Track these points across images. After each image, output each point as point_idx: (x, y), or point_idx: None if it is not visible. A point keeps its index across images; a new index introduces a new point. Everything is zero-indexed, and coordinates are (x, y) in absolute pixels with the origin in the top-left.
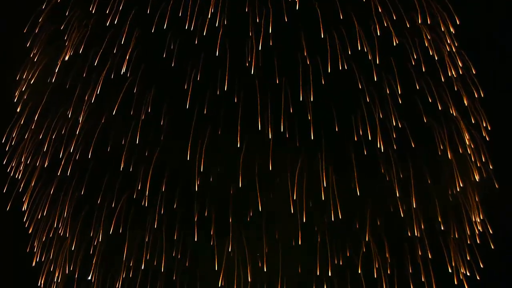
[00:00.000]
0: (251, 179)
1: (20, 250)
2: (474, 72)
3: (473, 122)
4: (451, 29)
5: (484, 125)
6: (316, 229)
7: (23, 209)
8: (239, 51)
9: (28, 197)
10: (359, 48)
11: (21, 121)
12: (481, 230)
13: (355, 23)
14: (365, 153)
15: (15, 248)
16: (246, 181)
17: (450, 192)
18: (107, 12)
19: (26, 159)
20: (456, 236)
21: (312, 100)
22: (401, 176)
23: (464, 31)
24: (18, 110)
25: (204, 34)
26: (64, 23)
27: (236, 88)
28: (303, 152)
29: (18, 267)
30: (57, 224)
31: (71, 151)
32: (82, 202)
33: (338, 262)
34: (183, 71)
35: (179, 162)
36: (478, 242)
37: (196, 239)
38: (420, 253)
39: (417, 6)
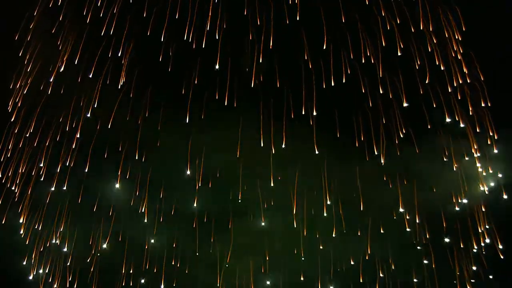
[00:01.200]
0: (251, 185)
1: (17, 264)
2: (482, 79)
3: (478, 130)
4: (457, 36)
5: (491, 134)
6: (317, 236)
7: (20, 221)
8: (239, 54)
9: (25, 208)
10: (362, 52)
11: (15, 130)
12: (488, 240)
13: (358, 26)
14: (367, 159)
15: (12, 262)
16: (246, 187)
17: (455, 201)
18: (101, 15)
19: (22, 169)
20: (462, 245)
21: (314, 105)
22: (405, 182)
23: (470, 37)
24: (12, 119)
25: (204, 37)
26: (57, 26)
27: (236, 93)
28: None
29: (15, 282)
30: (55, 235)
31: (67, 158)
32: (79, 210)
33: (341, 269)
34: (181, 75)
35: (177, 168)
36: (484, 252)
37: (196, 245)
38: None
39: (420, 12)
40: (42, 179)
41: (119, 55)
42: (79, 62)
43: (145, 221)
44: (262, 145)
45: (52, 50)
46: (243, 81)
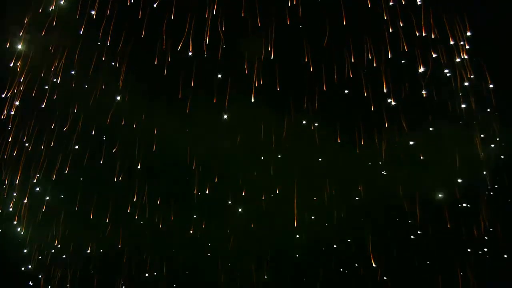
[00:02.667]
0: (250, 191)
1: (16, 271)
2: (489, 83)
3: (482, 136)
4: (464, 42)
5: (498, 139)
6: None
7: (18, 229)
8: (239, 57)
9: (22, 218)
10: (365, 55)
11: (9, 139)
12: (492, 244)
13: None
14: (370, 164)
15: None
16: (245, 194)
17: (460, 205)
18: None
19: (17, 178)
20: (468, 251)
21: (316, 108)
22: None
23: (476, 41)
24: (6, 128)
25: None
26: (50, 33)
27: (236, 96)
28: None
29: None
30: (53, 242)
31: (64, 164)
32: (77, 217)
33: (344, 271)
34: (178, 79)
35: (174, 173)
36: (487, 257)
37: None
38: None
39: (422, 16)
40: (38, 189)
41: (115, 57)
42: (74, 67)
43: (141, 222)
44: (261, 147)
45: (46, 57)
46: (242, 84)
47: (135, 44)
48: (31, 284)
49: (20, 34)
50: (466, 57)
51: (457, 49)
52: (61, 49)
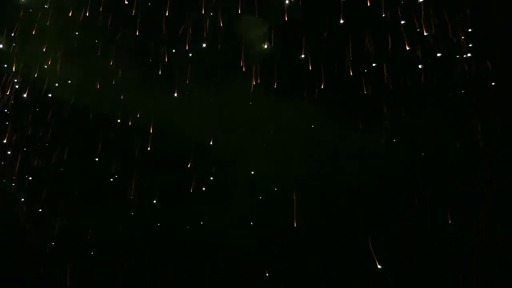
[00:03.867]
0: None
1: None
2: (490, 80)
3: (482, 133)
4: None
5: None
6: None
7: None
8: (236, 53)
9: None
10: (364, 53)
11: (4, 140)
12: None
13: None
14: (369, 160)
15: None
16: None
17: (460, 203)
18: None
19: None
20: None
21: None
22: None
23: (477, 37)
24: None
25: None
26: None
27: (234, 92)
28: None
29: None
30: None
31: (61, 159)
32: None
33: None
34: (173, 78)
35: (171, 172)
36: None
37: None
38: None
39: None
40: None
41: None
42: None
43: (139, 218)
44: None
45: (41, 55)
46: (240, 80)
47: (130, 41)
48: (31, 280)
49: (13, 34)
50: (468, 54)
51: (458, 46)
52: (55, 47)
